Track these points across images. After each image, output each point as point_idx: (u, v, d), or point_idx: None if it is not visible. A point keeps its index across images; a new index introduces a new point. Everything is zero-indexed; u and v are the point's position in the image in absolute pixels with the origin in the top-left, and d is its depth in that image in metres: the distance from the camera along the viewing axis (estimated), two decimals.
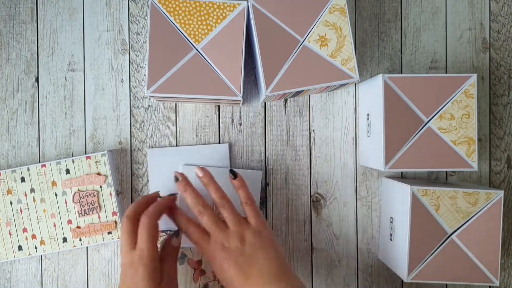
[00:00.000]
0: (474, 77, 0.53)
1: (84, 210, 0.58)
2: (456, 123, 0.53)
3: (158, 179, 0.60)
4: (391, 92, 0.53)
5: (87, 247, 0.60)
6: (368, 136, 0.57)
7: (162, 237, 0.58)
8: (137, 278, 0.44)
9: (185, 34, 0.54)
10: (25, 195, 0.58)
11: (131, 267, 0.45)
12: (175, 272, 0.49)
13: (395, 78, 0.53)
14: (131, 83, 0.61)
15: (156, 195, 0.54)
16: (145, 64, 0.60)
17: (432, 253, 0.52)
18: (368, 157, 0.58)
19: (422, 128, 0.54)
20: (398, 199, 0.55)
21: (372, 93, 0.56)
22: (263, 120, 0.62)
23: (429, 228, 0.52)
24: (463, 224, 0.52)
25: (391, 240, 0.57)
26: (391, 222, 0.57)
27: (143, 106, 0.61)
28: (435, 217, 0.52)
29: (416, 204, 0.52)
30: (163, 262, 0.48)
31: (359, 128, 0.61)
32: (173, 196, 0.53)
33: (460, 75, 0.54)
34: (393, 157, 0.53)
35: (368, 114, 0.58)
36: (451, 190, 0.52)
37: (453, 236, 0.52)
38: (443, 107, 0.54)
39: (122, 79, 0.61)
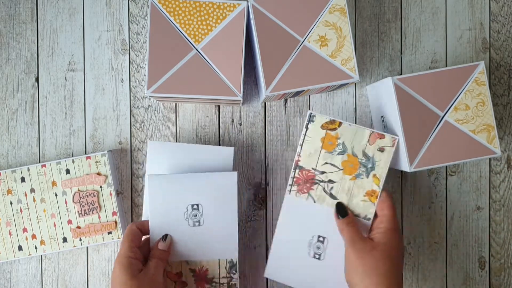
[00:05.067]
0: (482, 65, 0.54)
1: (84, 210, 0.58)
2: (472, 112, 0.53)
3: (155, 172, 0.57)
4: (403, 93, 0.53)
5: (87, 247, 0.60)
6: None
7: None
8: (113, 274, 0.49)
9: (185, 34, 0.54)
10: (25, 195, 0.58)
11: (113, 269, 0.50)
12: (159, 272, 0.51)
13: (405, 78, 0.53)
14: (131, 83, 0.61)
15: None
16: (145, 64, 0.60)
17: None
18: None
19: (439, 123, 0.53)
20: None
21: (383, 95, 0.56)
22: (263, 120, 0.62)
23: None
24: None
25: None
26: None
27: (143, 106, 0.61)
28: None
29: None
30: (149, 261, 0.51)
31: (375, 130, 0.61)
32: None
33: (468, 65, 0.54)
34: (416, 157, 0.53)
35: (382, 117, 0.58)
36: None
37: None
38: (456, 99, 0.54)
39: (122, 79, 0.61)
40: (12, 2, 0.61)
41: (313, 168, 0.53)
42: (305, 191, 0.54)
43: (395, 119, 0.53)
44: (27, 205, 0.58)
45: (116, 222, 0.58)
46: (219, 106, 0.62)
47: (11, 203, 0.58)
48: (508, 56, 0.63)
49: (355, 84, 0.62)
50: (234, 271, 0.55)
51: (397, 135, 0.54)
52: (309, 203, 0.54)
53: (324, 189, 0.53)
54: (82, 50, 0.61)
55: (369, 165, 0.52)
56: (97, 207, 0.58)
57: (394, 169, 0.61)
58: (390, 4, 0.62)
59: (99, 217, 0.58)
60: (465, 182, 0.62)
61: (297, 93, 0.56)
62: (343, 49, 0.53)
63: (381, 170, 0.52)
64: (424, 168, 0.53)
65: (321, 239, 0.54)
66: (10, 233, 0.58)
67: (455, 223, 0.62)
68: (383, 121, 0.58)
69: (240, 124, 0.62)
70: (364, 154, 0.52)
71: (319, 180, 0.53)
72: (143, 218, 0.57)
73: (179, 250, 0.54)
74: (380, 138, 0.52)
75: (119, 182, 0.61)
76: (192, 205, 0.54)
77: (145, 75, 0.61)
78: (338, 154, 0.53)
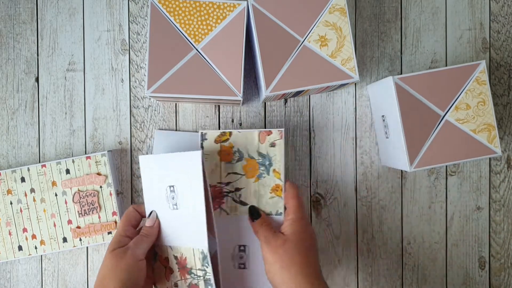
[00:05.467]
0: (483, 64, 0.54)
1: (84, 210, 0.58)
2: (473, 112, 0.54)
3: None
4: (404, 92, 0.53)
5: (87, 247, 0.60)
6: (387, 138, 0.57)
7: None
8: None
9: (185, 34, 0.54)
10: (25, 195, 0.58)
11: None
12: (139, 248, 0.50)
13: (405, 78, 0.53)
14: (131, 83, 0.61)
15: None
16: (145, 64, 0.60)
17: None
18: (390, 158, 0.58)
19: (440, 123, 0.54)
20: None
21: (383, 95, 0.56)
22: (263, 120, 0.62)
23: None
24: None
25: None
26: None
27: (143, 106, 0.61)
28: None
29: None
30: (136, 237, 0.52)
31: (376, 130, 0.61)
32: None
33: (468, 64, 0.54)
34: (416, 156, 0.53)
35: (383, 116, 0.58)
36: None
37: None
38: (457, 98, 0.54)
39: (122, 79, 0.61)
40: (12, 2, 0.61)
41: (218, 183, 0.55)
42: (216, 206, 0.55)
43: (395, 119, 0.53)
44: (27, 205, 0.58)
45: (116, 222, 0.58)
46: (219, 106, 0.62)
47: (11, 203, 0.58)
48: (508, 56, 0.63)
49: (355, 84, 0.62)
50: (206, 264, 0.50)
51: (282, 128, 0.58)
52: (222, 217, 0.55)
53: (233, 199, 0.54)
54: (82, 50, 0.61)
55: (267, 162, 0.54)
56: (97, 207, 0.58)
57: (394, 169, 0.61)
58: (390, 4, 0.62)
59: (99, 217, 0.58)
60: (465, 182, 0.62)
61: (297, 93, 0.56)
62: (343, 49, 0.53)
63: (279, 164, 0.54)
64: (424, 168, 0.53)
65: (242, 248, 0.55)
66: (10, 233, 0.58)
67: (455, 223, 0.62)
68: (383, 120, 0.58)
69: (240, 124, 0.62)
70: (260, 154, 0.54)
71: (227, 192, 0.55)
72: None
73: (164, 233, 0.53)
74: (268, 135, 0.54)
75: (119, 182, 0.61)
76: (170, 187, 0.52)
77: (145, 75, 0.61)
78: (237, 161, 0.54)
